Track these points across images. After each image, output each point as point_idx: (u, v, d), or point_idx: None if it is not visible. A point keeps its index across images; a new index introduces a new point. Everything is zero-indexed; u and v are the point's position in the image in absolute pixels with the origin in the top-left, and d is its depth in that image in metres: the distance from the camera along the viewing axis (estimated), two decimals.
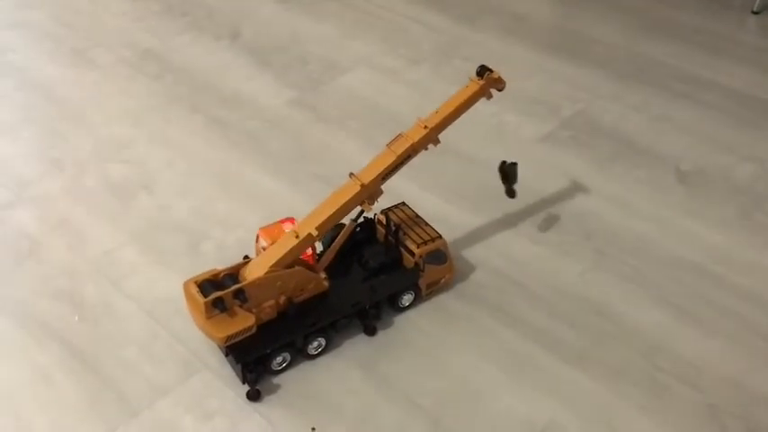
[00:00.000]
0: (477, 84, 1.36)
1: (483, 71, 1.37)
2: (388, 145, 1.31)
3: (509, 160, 1.47)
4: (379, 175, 1.27)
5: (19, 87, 2.10)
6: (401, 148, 1.29)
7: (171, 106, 2.02)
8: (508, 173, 1.47)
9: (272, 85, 2.12)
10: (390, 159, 1.28)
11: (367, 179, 1.26)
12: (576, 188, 1.75)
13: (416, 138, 1.30)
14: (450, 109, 1.33)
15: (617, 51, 2.33)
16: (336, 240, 1.31)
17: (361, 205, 1.28)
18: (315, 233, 1.23)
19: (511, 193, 1.49)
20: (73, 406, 1.23)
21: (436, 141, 1.34)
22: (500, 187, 1.49)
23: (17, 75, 2.16)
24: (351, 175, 1.28)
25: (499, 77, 1.38)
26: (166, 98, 2.06)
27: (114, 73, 2.17)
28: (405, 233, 1.40)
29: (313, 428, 1.20)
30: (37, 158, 1.82)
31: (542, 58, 2.28)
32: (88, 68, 2.19)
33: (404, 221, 1.42)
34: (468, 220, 1.53)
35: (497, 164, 1.48)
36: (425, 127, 1.31)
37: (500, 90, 1.40)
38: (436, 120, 1.32)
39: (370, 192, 1.27)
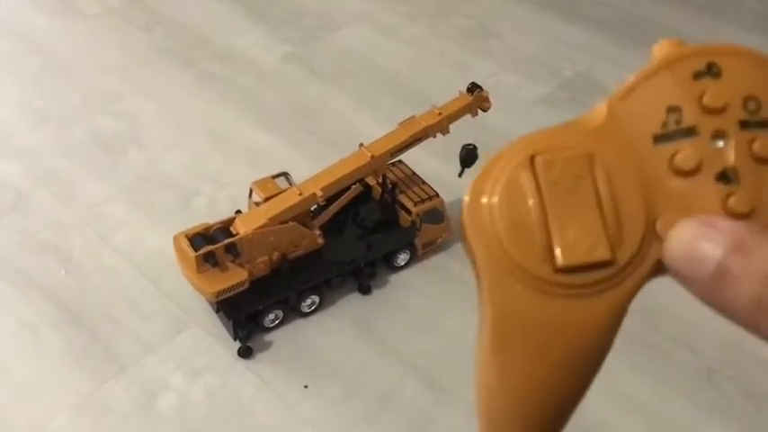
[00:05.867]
0: (466, 98, 1.38)
1: (474, 88, 1.39)
2: (401, 124, 1.33)
3: (473, 143, 1.42)
4: (389, 150, 1.29)
5: None
6: (414, 128, 1.31)
7: (161, 59, 1.96)
8: (467, 158, 1.42)
9: (266, 39, 2.06)
10: (402, 137, 1.30)
11: (377, 152, 1.27)
12: None
13: (430, 122, 1.32)
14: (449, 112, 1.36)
15: (619, 14, 2.28)
16: (340, 200, 1.28)
17: (365, 178, 1.31)
18: (319, 194, 1.21)
19: (460, 174, 1.45)
20: (60, 360, 1.21)
21: (446, 131, 1.37)
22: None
23: None
24: (361, 145, 1.28)
25: (487, 97, 1.40)
26: (157, 51, 1.99)
27: (102, 24, 2.10)
28: (401, 191, 1.37)
29: (306, 386, 1.18)
30: (21, 110, 1.76)
31: (543, 19, 2.23)
32: (74, 18, 2.12)
33: (400, 179, 1.39)
34: (465, 179, 1.50)
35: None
36: (440, 113, 1.33)
37: (485, 110, 1.41)
38: (447, 111, 1.35)
39: (378, 164, 1.28)
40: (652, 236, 0.26)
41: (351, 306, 1.31)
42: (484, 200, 0.27)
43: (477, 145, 1.42)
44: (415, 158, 1.42)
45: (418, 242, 1.37)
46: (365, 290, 1.33)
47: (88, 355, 1.21)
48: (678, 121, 0.26)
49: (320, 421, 1.14)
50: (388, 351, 1.24)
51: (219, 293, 1.15)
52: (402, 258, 1.37)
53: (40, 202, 1.51)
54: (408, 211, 1.35)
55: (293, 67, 1.95)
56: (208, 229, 1.20)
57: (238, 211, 1.29)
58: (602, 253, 0.26)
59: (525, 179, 0.26)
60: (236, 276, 1.16)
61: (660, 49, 0.28)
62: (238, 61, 1.97)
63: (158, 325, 1.26)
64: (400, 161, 1.42)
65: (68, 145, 1.66)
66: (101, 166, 1.60)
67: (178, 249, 1.19)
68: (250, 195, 1.28)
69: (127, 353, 1.22)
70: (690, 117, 0.26)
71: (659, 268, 0.27)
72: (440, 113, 1.34)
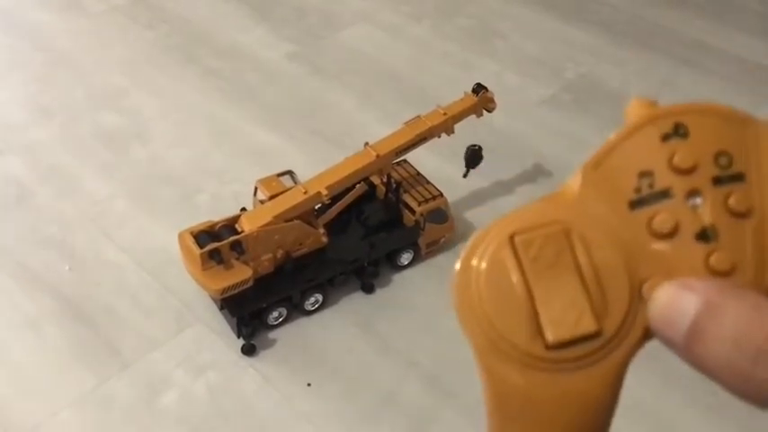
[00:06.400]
0: (472, 99, 1.39)
1: (479, 89, 1.40)
2: (406, 124, 1.34)
3: (478, 143, 1.42)
4: (395, 149, 1.30)
5: (3, 32, 2.03)
6: (419, 128, 1.32)
7: (165, 56, 1.96)
8: (472, 158, 1.42)
9: (270, 37, 2.06)
10: (407, 137, 1.31)
11: (382, 151, 1.28)
12: (578, 152, 1.72)
13: (435, 122, 1.33)
14: (454, 112, 1.38)
15: (622, 15, 2.29)
16: (344, 199, 1.29)
17: (370, 177, 1.32)
18: (324, 192, 1.22)
19: (465, 175, 1.46)
20: (63, 356, 1.21)
21: (450, 130, 1.38)
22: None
23: (1, 19, 2.09)
24: (366, 144, 1.29)
25: (492, 98, 1.41)
26: (161, 48, 2.00)
27: (106, 21, 2.11)
28: (405, 190, 1.37)
29: (308, 384, 1.18)
30: (25, 105, 1.76)
31: (546, 19, 2.23)
32: (78, 15, 2.12)
33: (405, 179, 1.40)
34: (469, 180, 1.50)
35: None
36: (445, 114, 1.34)
37: (490, 111, 1.43)
38: (452, 111, 1.36)
39: (383, 164, 1.29)
40: (639, 301, 0.26)
41: (354, 305, 1.32)
42: (472, 277, 0.27)
43: (481, 146, 1.43)
44: (419, 158, 1.43)
45: (422, 241, 1.37)
46: (368, 289, 1.33)
47: (91, 350, 1.22)
48: (651, 185, 0.26)
49: (322, 419, 1.15)
50: (391, 350, 1.25)
51: (224, 291, 1.16)
52: (405, 258, 1.38)
53: (43, 197, 1.51)
54: (412, 211, 1.35)
55: (297, 65, 1.96)
56: (213, 226, 1.20)
57: (243, 209, 1.29)
58: (587, 325, 0.26)
59: (507, 258, 0.27)
60: (240, 274, 1.17)
61: (632, 111, 0.28)
62: (242, 59, 1.97)
63: (161, 321, 1.27)
64: (405, 160, 1.42)
65: (72, 141, 1.66)
66: (104, 162, 1.60)
67: (183, 246, 1.19)
68: (255, 193, 1.28)
69: (130, 349, 1.22)
70: (662, 180, 0.26)
71: (650, 333, 0.27)
72: (445, 114, 1.35)
